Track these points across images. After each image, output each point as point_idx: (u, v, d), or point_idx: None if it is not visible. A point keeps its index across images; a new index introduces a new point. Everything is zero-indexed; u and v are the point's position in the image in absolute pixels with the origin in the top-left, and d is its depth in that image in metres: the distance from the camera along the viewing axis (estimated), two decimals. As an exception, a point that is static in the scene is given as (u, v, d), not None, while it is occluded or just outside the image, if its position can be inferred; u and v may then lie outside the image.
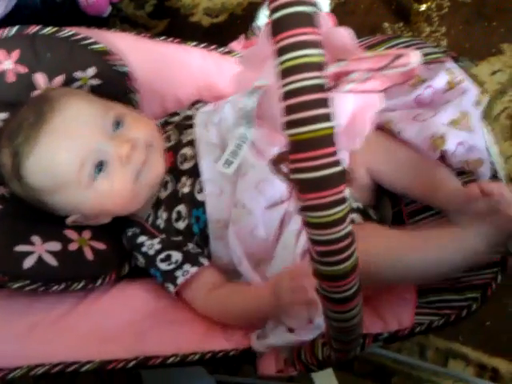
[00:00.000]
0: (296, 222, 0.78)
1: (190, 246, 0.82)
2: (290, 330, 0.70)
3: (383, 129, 0.79)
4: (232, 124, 0.81)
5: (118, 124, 0.80)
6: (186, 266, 0.79)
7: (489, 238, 0.69)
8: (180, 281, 0.78)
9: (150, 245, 0.81)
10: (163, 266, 0.80)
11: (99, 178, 0.78)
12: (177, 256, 0.80)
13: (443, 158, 0.73)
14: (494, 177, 0.75)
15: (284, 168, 0.59)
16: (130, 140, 0.78)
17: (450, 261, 0.70)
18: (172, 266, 0.79)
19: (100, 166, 0.77)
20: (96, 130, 0.77)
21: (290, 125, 0.39)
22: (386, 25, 1.37)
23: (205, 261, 0.81)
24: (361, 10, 1.39)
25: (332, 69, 0.49)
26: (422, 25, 1.35)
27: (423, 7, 1.31)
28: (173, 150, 0.85)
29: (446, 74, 0.78)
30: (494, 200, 0.67)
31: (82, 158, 0.76)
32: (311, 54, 0.38)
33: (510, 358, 1.02)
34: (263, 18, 0.98)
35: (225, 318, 0.77)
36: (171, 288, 0.79)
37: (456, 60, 0.83)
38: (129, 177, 0.79)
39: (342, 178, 0.40)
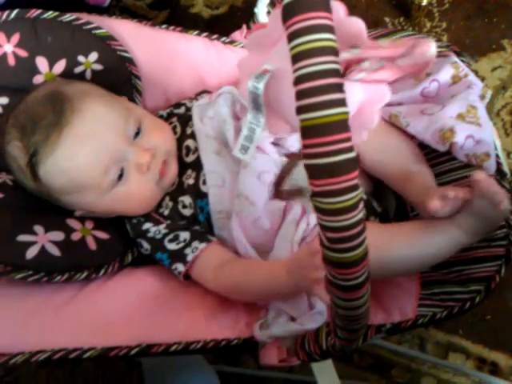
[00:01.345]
0: (296, 212, 0.78)
1: (197, 228, 0.82)
2: (293, 320, 0.70)
3: (388, 121, 0.79)
4: (227, 116, 0.82)
5: (137, 129, 0.80)
6: (195, 243, 0.79)
7: (467, 227, 0.70)
8: (190, 258, 0.78)
9: (157, 230, 0.81)
10: (172, 246, 0.79)
11: (118, 184, 0.78)
12: (185, 235, 0.80)
13: (450, 151, 0.73)
14: (499, 170, 0.75)
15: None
16: (150, 149, 0.79)
17: (432, 249, 0.71)
18: (181, 245, 0.79)
19: (121, 173, 0.78)
20: (119, 136, 0.77)
21: (303, 110, 0.39)
22: (387, 20, 1.37)
23: (212, 238, 0.81)
24: (362, 4, 1.39)
25: (345, 56, 0.48)
26: (423, 20, 1.36)
27: (424, 2, 1.31)
28: (177, 142, 0.85)
29: (452, 68, 0.78)
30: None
31: (106, 164, 0.76)
32: (325, 38, 0.38)
33: (509, 352, 1.03)
34: (262, 5, 0.97)
35: (236, 292, 0.76)
36: (181, 268, 0.78)
37: (458, 55, 0.83)
38: (147, 184, 0.80)
39: (355, 164, 0.40)
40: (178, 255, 0.79)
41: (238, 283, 0.75)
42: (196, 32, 0.94)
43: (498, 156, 0.75)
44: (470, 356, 1.03)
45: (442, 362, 1.00)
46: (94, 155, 0.75)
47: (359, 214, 0.41)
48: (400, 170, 0.77)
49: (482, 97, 0.78)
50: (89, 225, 0.82)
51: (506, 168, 0.76)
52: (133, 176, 0.78)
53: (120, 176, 0.78)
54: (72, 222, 0.81)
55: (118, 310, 0.75)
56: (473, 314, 1.02)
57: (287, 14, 0.38)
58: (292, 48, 0.38)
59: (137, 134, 0.80)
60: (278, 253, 0.76)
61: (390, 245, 0.71)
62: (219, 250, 0.80)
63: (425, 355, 1.01)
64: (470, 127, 0.72)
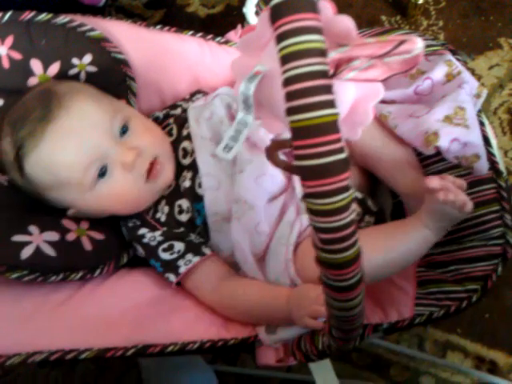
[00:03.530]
0: (292, 213, 0.78)
1: (193, 237, 0.82)
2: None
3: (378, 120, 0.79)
4: (224, 117, 0.82)
5: (125, 128, 0.79)
6: (189, 256, 0.79)
7: (436, 226, 0.71)
8: (182, 270, 0.78)
9: (152, 237, 0.81)
10: (165, 256, 0.79)
11: (101, 181, 0.78)
12: (179, 246, 0.80)
13: (439, 153, 0.73)
14: (494, 169, 0.75)
15: (280, 156, 0.59)
16: (136, 148, 0.78)
17: (409, 255, 0.72)
18: (174, 256, 0.79)
19: (103, 170, 0.77)
20: (103, 134, 0.77)
21: (293, 111, 0.39)
22: (384, 18, 1.37)
23: (207, 251, 0.80)
24: (358, 2, 1.39)
25: (333, 54, 0.48)
26: (420, 18, 1.35)
27: (420, 1, 1.31)
28: (174, 145, 0.85)
29: (445, 66, 0.78)
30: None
31: (87, 161, 0.75)
32: (313, 40, 0.38)
33: (508, 351, 1.03)
34: (250, 5, 0.97)
35: (230, 311, 0.77)
36: (172, 278, 0.78)
37: (454, 53, 0.83)
38: (132, 182, 0.79)
39: (346, 165, 0.40)
40: (171, 266, 0.79)
41: (236, 306, 0.76)
42: (191, 32, 0.94)
43: (493, 155, 0.75)
44: (469, 355, 1.03)
45: (440, 361, 1.00)
46: (76, 151, 0.75)
47: (351, 214, 0.41)
48: (393, 160, 0.78)
49: (478, 96, 0.78)
50: (84, 225, 0.82)
51: (502, 167, 0.76)
52: (117, 174, 0.78)
53: (103, 173, 0.77)
54: (67, 223, 0.81)
55: (113, 311, 0.75)
56: (471, 313, 1.02)
57: (275, 16, 0.38)
58: (280, 50, 0.38)
59: (124, 132, 0.79)
60: (274, 256, 0.77)
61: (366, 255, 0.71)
62: (214, 266, 0.80)
63: (423, 354, 1.01)
64: (455, 130, 0.71)
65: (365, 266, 0.68)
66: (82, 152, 0.75)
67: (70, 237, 0.79)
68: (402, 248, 0.71)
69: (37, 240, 0.75)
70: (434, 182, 0.68)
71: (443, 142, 0.71)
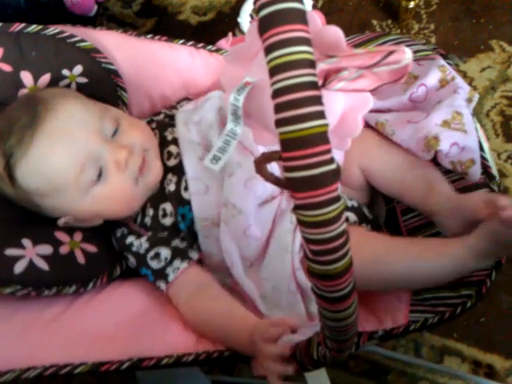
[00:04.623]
0: (292, 219, 0.77)
1: (178, 241, 0.81)
2: (293, 331, 0.69)
3: (376, 130, 0.79)
4: (213, 121, 0.82)
5: (114, 128, 0.79)
6: (176, 262, 0.78)
7: (478, 250, 0.69)
8: (171, 278, 0.77)
9: (139, 244, 0.80)
10: (154, 265, 0.79)
11: (98, 183, 0.77)
12: (166, 253, 0.79)
13: (435, 158, 0.73)
14: (487, 174, 0.75)
15: (268, 169, 0.59)
16: (127, 145, 0.78)
17: (438, 270, 0.71)
18: (162, 264, 0.78)
19: (99, 173, 0.77)
20: (93, 133, 0.76)
21: (282, 123, 0.39)
22: (375, 22, 1.36)
23: (194, 255, 0.80)
24: (349, 7, 1.39)
25: (322, 66, 0.48)
26: (411, 22, 1.35)
27: (411, 4, 1.31)
28: (158, 147, 0.84)
29: (439, 71, 0.78)
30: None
31: (81, 162, 0.75)
32: (301, 51, 0.38)
33: (504, 354, 1.02)
34: (244, 14, 0.97)
35: (200, 328, 0.75)
36: (163, 286, 0.78)
37: (445, 57, 0.83)
38: (127, 182, 0.78)
39: (336, 176, 0.40)
40: (161, 274, 0.78)
41: (203, 323, 0.74)
42: (182, 41, 0.94)
43: (486, 159, 0.75)
44: (466, 359, 1.02)
45: (436, 367, 0.99)
46: (68, 153, 0.75)
47: (342, 225, 0.41)
48: (416, 184, 0.77)
49: (469, 100, 0.78)
50: (77, 237, 0.81)
51: (494, 171, 0.76)
52: (112, 175, 0.77)
53: (99, 176, 0.77)
54: (60, 235, 0.80)
55: (107, 325, 0.74)
56: (466, 317, 1.02)
57: (264, 27, 0.38)
58: (269, 61, 0.38)
59: (114, 133, 0.79)
60: (274, 261, 0.77)
61: (396, 263, 0.72)
62: (195, 274, 0.79)
63: (419, 360, 1.00)
64: (454, 134, 0.72)
65: (392, 270, 0.71)
66: (74, 153, 0.75)
67: (64, 250, 0.78)
68: (435, 265, 0.71)
69: (30, 254, 0.74)
70: (505, 200, 0.66)
71: (444, 146, 0.71)
